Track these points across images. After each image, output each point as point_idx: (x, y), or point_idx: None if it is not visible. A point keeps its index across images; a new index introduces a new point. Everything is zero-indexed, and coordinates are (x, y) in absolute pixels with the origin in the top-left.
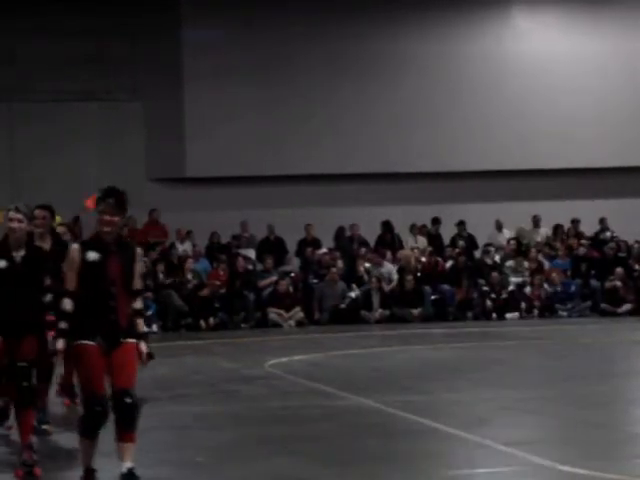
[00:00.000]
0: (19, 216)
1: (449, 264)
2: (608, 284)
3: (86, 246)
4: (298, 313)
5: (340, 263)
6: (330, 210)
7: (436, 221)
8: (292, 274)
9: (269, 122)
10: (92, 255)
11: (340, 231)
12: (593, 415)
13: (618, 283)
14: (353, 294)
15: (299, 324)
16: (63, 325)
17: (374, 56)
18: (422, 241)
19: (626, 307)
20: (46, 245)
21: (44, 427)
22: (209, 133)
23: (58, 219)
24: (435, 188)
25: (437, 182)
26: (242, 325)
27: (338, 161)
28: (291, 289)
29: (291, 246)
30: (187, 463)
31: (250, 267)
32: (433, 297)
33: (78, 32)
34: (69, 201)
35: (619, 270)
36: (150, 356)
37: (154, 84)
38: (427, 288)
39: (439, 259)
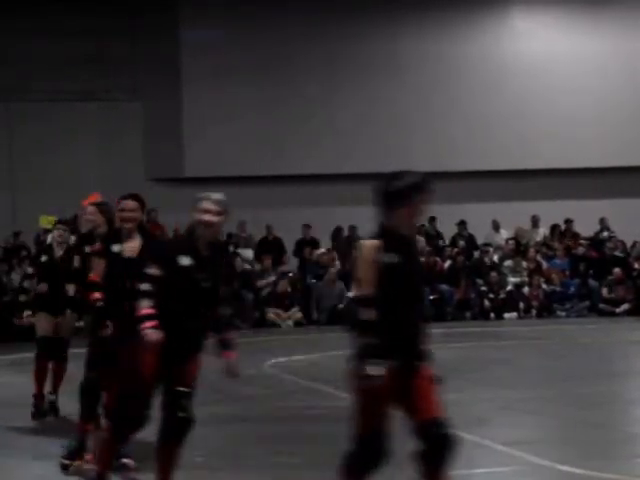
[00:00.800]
0: (217, 208)
1: (447, 264)
2: (606, 295)
3: (385, 244)
4: (296, 313)
5: (338, 263)
6: (329, 210)
7: (432, 220)
8: (290, 274)
9: (268, 122)
10: (392, 256)
11: (338, 231)
12: (592, 415)
13: (614, 295)
14: (351, 294)
15: (297, 324)
16: (374, 341)
17: (373, 56)
18: (420, 241)
19: (624, 307)
20: (134, 244)
21: (124, 461)
22: (208, 133)
23: (50, 219)
24: (434, 188)
25: (436, 182)
26: (240, 325)
27: (337, 161)
28: (289, 289)
29: (289, 246)
30: (186, 463)
31: (248, 267)
32: (431, 297)
33: (77, 32)
34: (68, 201)
35: (617, 270)
36: (439, 380)
37: (153, 84)
38: (425, 288)
39: (437, 259)
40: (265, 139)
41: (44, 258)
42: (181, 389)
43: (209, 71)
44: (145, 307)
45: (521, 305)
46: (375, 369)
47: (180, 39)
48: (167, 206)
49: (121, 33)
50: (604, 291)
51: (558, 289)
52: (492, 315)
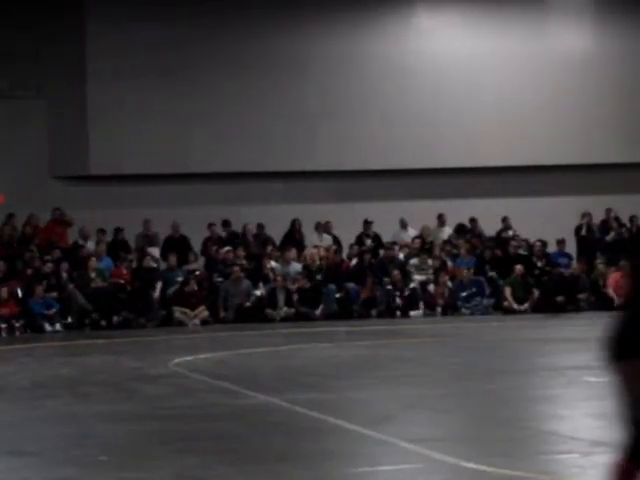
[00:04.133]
0: None
1: (354, 262)
2: (510, 293)
3: None
4: (203, 312)
5: (245, 261)
6: (236, 209)
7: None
8: (197, 272)
9: (173, 121)
10: None
11: (245, 229)
12: (497, 412)
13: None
14: (258, 292)
15: (204, 323)
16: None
17: (279, 55)
18: (327, 239)
19: (527, 305)
20: None
21: None
22: (113, 131)
23: None
24: (339, 187)
25: (341, 181)
26: (146, 323)
27: (244, 159)
28: (196, 287)
29: (196, 244)
30: (91, 462)
31: (154, 265)
32: (338, 295)
33: None
34: None
35: (519, 267)
36: None
37: (58, 81)
38: (332, 286)
39: (344, 257)
40: (170, 138)
41: None
42: None
43: (113, 69)
44: None
45: (424, 303)
46: None
47: (84, 37)
48: (72, 204)
49: (25, 30)
50: (507, 289)
51: (469, 287)
52: (398, 313)
